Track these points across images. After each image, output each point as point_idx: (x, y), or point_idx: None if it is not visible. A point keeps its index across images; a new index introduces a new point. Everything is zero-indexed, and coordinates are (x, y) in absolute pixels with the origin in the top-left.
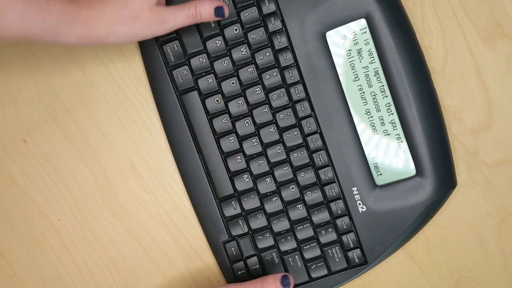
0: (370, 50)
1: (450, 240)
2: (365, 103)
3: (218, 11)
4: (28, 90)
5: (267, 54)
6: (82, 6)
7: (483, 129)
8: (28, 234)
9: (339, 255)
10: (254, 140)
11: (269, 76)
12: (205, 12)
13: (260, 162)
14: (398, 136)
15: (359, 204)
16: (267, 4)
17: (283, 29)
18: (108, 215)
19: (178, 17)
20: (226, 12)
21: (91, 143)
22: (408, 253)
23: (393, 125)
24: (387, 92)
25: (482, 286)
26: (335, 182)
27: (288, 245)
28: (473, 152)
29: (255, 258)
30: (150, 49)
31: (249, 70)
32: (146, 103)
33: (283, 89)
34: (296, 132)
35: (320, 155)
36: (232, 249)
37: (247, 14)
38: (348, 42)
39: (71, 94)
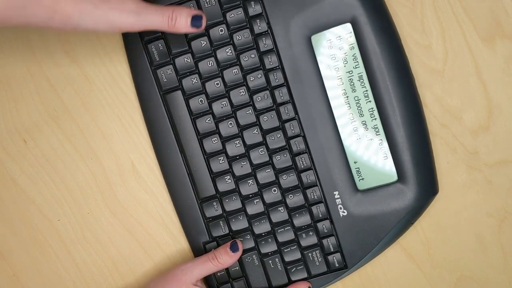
0: (355, 55)
1: (450, 240)
2: (349, 108)
3: (195, 21)
4: (28, 90)
5: (252, 55)
6: None
7: (483, 129)
8: (28, 234)
9: (319, 259)
10: (237, 142)
11: (253, 78)
12: (180, 20)
13: (242, 163)
14: (380, 141)
15: (340, 208)
16: (253, 6)
17: (269, 31)
18: (108, 215)
19: (152, 14)
20: (203, 24)
21: (91, 143)
22: (408, 253)
23: (376, 130)
24: (371, 97)
25: (482, 286)
26: (317, 185)
27: (268, 247)
28: (473, 152)
29: None
30: (135, 48)
31: (233, 71)
32: None
33: (267, 91)
34: (279, 135)
35: (302, 158)
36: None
37: (233, 15)
38: (333, 46)
39: (71, 94)
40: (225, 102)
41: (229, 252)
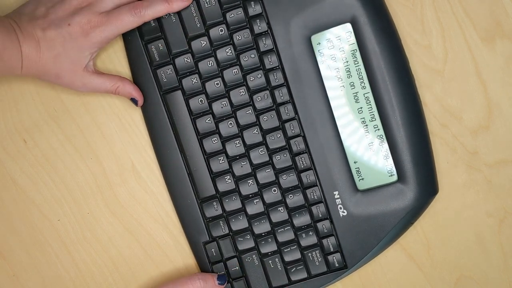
0: (355, 55)
1: (450, 240)
2: (349, 108)
3: (133, 100)
4: (28, 90)
5: (252, 55)
6: (24, 44)
7: (483, 129)
8: (28, 234)
9: (319, 259)
10: (237, 142)
11: (253, 78)
12: (123, 93)
13: (242, 163)
14: (380, 141)
15: (340, 208)
16: (253, 6)
17: (269, 31)
18: (108, 215)
19: (98, 88)
20: (139, 103)
21: (91, 143)
22: (408, 253)
23: (376, 130)
24: (371, 98)
25: (482, 286)
26: (317, 185)
27: (268, 247)
28: (473, 152)
29: (235, 259)
30: (135, 48)
31: (233, 71)
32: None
33: (267, 91)
34: (279, 135)
35: (302, 158)
36: (213, 250)
37: (232, 15)
38: (333, 46)
39: (71, 94)
40: (225, 102)
41: (215, 282)
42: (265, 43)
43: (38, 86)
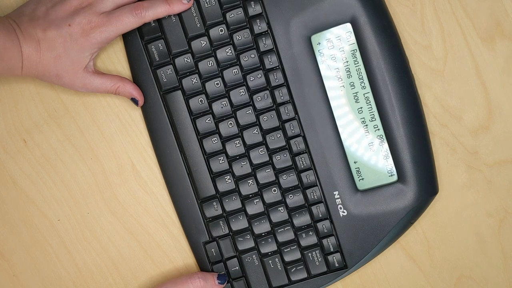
0: (355, 55)
1: (450, 240)
2: (349, 108)
3: (134, 100)
4: (28, 90)
5: (252, 55)
6: (24, 45)
7: (483, 129)
8: (28, 234)
9: (319, 259)
10: (237, 142)
11: (253, 78)
12: (124, 93)
13: (242, 163)
14: (380, 141)
15: (340, 208)
16: (253, 6)
17: (269, 31)
18: (108, 215)
19: (99, 88)
20: (140, 103)
21: (91, 143)
22: (408, 253)
23: (376, 130)
24: (371, 97)
25: (482, 286)
26: (317, 185)
27: (268, 247)
28: (473, 152)
29: (235, 259)
30: (135, 47)
31: (233, 71)
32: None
33: (267, 91)
34: (279, 135)
35: (302, 158)
36: (212, 250)
37: (232, 15)
38: (333, 46)
39: (71, 94)
40: (225, 102)
41: (216, 281)
42: (265, 43)
43: (38, 86)
